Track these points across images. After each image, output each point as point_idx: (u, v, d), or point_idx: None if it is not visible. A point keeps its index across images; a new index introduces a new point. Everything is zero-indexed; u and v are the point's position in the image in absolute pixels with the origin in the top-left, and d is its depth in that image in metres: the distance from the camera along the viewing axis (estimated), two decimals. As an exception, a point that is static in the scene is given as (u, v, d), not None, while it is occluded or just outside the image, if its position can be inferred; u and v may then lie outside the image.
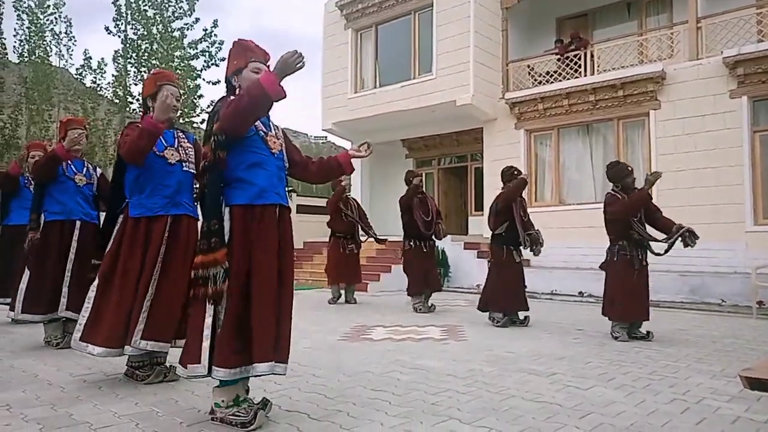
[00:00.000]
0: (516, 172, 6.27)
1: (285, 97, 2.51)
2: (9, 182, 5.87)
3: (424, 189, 7.57)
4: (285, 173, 2.86)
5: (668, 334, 5.60)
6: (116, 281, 3.21)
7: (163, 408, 2.81)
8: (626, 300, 5.16)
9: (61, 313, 4.35)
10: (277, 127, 2.88)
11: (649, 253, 5.29)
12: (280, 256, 2.65)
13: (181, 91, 3.61)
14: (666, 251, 5.23)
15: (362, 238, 8.34)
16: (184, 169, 3.45)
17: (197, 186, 3.38)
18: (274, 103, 2.52)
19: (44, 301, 4.31)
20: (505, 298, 6.04)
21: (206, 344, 2.46)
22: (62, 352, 4.24)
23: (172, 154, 3.40)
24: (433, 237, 7.37)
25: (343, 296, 8.30)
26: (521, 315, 6.13)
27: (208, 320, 2.48)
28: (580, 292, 9.57)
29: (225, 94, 2.83)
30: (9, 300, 5.60)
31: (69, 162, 4.49)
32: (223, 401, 2.55)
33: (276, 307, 2.57)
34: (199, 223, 3.23)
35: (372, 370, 3.76)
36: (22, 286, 4.39)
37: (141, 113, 3.66)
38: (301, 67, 2.51)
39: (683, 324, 6.41)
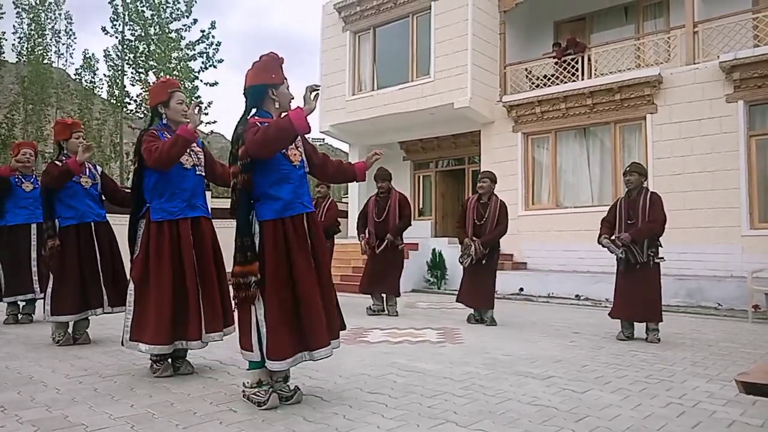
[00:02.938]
0: (480, 180, 6.41)
1: (310, 131, 2.81)
2: (0, 183, 5.83)
3: (394, 189, 7.14)
4: (306, 177, 3.10)
5: (664, 337, 5.60)
6: (152, 283, 3.41)
7: (159, 410, 2.81)
8: (614, 298, 5.49)
9: (106, 309, 4.57)
10: None
11: (651, 257, 5.28)
12: (314, 256, 2.94)
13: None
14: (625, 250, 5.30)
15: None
16: (197, 173, 3.64)
17: (205, 189, 3.82)
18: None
19: (70, 303, 4.46)
20: (460, 290, 6.45)
21: (255, 338, 2.81)
22: (57, 353, 4.23)
23: (187, 159, 3.55)
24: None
25: None
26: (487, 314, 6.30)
27: (254, 318, 2.82)
28: (577, 296, 9.58)
29: (247, 105, 2.99)
30: (11, 299, 5.68)
31: None
32: (248, 382, 2.94)
33: (320, 300, 2.88)
34: (214, 224, 3.79)
35: (368, 372, 3.75)
36: (48, 291, 4.50)
37: (150, 118, 3.80)
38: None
39: (679, 327, 6.43)
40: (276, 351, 2.76)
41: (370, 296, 7.24)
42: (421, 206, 15.38)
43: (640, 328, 5.43)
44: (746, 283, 7.50)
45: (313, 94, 2.76)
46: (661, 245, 5.37)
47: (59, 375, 3.52)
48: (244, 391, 2.96)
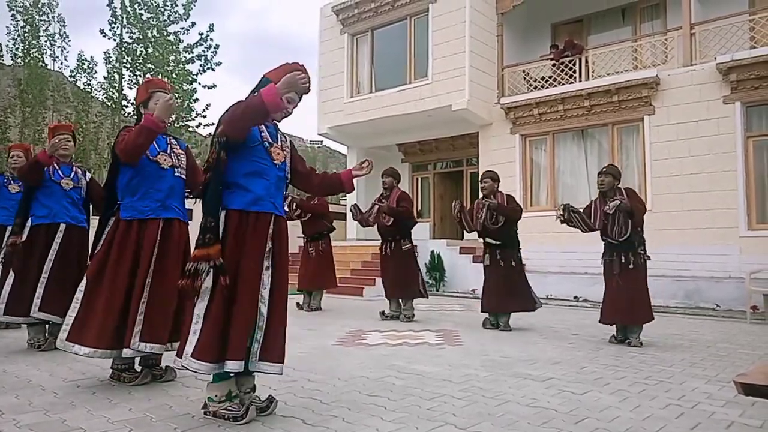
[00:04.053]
0: (482, 181, 6.27)
1: (281, 109, 2.67)
2: None
3: (398, 187, 6.93)
4: (285, 184, 2.94)
5: (663, 338, 5.61)
6: (106, 282, 3.23)
7: (158, 413, 2.80)
8: (604, 301, 5.35)
9: (33, 315, 4.30)
10: (285, 138, 2.97)
11: (641, 255, 5.18)
12: (273, 263, 2.73)
13: (176, 94, 3.71)
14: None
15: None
16: (176, 174, 3.51)
17: (188, 190, 3.67)
18: (271, 114, 2.67)
19: (26, 303, 4.32)
20: (482, 296, 6.29)
21: (193, 338, 2.56)
22: (55, 357, 4.21)
23: (165, 159, 3.45)
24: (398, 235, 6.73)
25: (310, 302, 7.75)
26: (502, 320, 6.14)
27: (195, 314, 2.59)
28: (575, 297, 9.60)
29: (253, 90, 2.87)
30: None
31: (56, 166, 4.49)
32: (216, 396, 2.66)
33: (255, 310, 2.64)
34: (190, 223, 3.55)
35: (367, 375, 3.75)
36: (6, 288, 4.41)
37: (135, 118, 3.71)
38: (306, 89, 2.72)
39: (678, 329, 6.43)
40: (205, 352, 2.51)
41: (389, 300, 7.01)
42: (419, 208, 15.39)
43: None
44: (744, 284, 7.51)
45: (299, 76, 2.65)
46: (645, 242, 5.27)
47: (57, 379, 3.51)
48: (207, 408, 2.68)
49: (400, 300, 6.86)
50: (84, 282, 3.30)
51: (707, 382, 3.70)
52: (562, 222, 5.36)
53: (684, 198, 9.90)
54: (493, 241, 6.12)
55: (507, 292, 6.03)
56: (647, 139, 10.53)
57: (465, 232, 6.53)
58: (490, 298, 6.15)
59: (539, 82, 12.10)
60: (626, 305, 5.15)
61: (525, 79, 12.49)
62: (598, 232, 5.36)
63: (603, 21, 12.96)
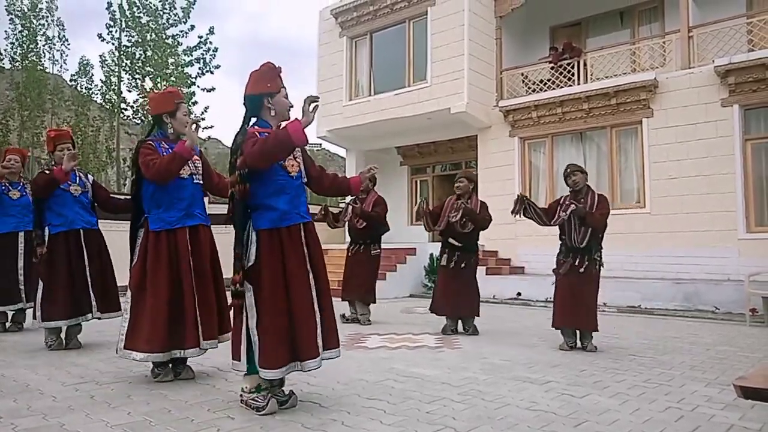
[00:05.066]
0: (457, 181, 6.16)
1: (307, 144, 2.85)
2: None
3: (374, 191, 6.73)
4: (304, 188, 3.12)
5: (662, 341, 5.61)
6: (148, 291, 3.44)
7: (156, 417, 2.79)
8: (555, 305, 5.24)
9: (95, 315, 4.62)
10: None
11: (596, 261, 5.08)
12: (311, 265, 2.95)
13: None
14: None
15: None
16: (195, 181, 3.68)
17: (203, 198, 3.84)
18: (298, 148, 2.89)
19: (61, 307, 4.53)
20: (432, 296, 6.17)
21: (244, 347, 2.85)
22: (54, 360, 4.20)
23: (184, 168, 3.57)
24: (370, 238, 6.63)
25: None
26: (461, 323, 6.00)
27: (244, 327, 2.85)
28: (575, 300, 9.57)
29: (246, 114, 3.01)
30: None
31: None
32: (246, 387, 2.94)
33: (315, 310, 2.90)
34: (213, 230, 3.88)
35: (367, 378, 3.75)
36: (39, 296, 4.58)
37: (151, 126, 3.83)
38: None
39: (677, 331, 6.43)
40: (268, 360, 2.78)
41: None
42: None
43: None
44: (743, 287, 7.51)
45: (312, 105, 2.81)
46: (601, 249, 5.16)
47: (56, 382, 3.50)
48: (242, 396, 2.97)
49: (356, 303, 6.72)
50: (129, 294, 3.52)
51: (707, 385, 3.70)
52: (513, 213, 5.19)
53: (683, 201, 9.91)
54: (456, 243, 5.99)
55: (457, 294, 5.86)
56: (646, 141, 10.55)
57: (426, 229, 6.35)
58: (440, 299, 5.96)
59: (538, 85, 12.13)
60: (574, 309, 5.01)
61: (524, 82, 12.51)
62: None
63: (601, 24, 12.99)
